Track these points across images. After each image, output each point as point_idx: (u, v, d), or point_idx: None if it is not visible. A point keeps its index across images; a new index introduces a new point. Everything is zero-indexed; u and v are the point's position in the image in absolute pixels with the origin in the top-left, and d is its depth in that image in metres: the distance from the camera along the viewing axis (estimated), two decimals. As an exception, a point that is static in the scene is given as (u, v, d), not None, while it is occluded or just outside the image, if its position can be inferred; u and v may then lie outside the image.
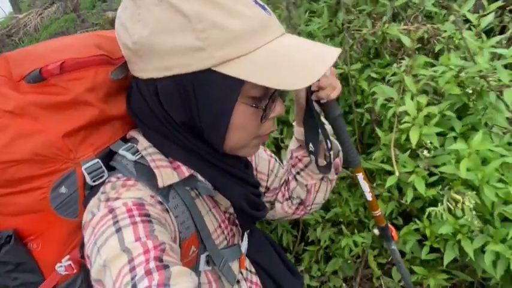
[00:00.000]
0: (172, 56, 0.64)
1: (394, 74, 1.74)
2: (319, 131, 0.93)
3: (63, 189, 0.70)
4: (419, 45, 1.91)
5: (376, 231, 1.20)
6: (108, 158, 0.75)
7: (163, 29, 0.63)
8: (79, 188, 0.71)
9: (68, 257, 0.73)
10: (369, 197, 1.09)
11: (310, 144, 0.93)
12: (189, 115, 0.70)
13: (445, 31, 1.74)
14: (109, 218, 0.62)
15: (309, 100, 0.89)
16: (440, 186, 1.52)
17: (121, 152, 0.74)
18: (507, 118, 1.53)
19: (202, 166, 0.76)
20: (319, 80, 0.84)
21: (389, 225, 1.18)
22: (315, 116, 0.91)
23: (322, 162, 0.99)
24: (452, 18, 1.77)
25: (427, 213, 1.47)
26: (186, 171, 0.74)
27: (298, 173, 1.02)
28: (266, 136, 0.79)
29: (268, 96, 0.69)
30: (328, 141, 0.93)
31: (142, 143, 0.74)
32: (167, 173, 0.72)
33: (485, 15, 1.71)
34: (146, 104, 0.71)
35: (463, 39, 1.60)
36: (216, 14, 0.62)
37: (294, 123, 1.01)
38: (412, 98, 1.57)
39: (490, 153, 1.42)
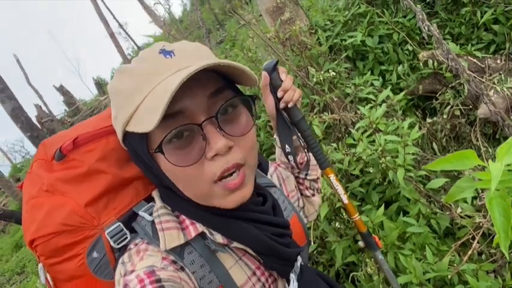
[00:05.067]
0: (115, 128, 0.74)
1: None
2: (291, 132, 0.99)
3: (95, 254, 0.74)
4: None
5: (360, 243, 1.14)
6: (132, 219, 0.78)
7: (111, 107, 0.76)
8: (107, 252, 0.75)
9: None
10: (345, 199, 1.06)
11: (287, 146, 0.98)
12: (153, 176, 0.76)
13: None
14: None
15: (277, 107, 0.96)
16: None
17: (140, 213, 0.77)
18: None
19: (211, 217, 0.75)
20: (280, 85, 0.92)
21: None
22: (285, 120, 0.97)
23: (302, 159, 1.05)
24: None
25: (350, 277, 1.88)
26: (193, 231, 0.74)
27: (306, 174, 1.09)
28: (234, 183, 0.70)
29: (176, 137, 0.66)
30: (301, 140, 0.99)
31: (157, 203, 0.77)
32: (172, 235, 0.72)
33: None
34: None
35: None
36: (119, 81, 0.71)
37: (275, 136, 1.07)
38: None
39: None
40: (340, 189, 1.05)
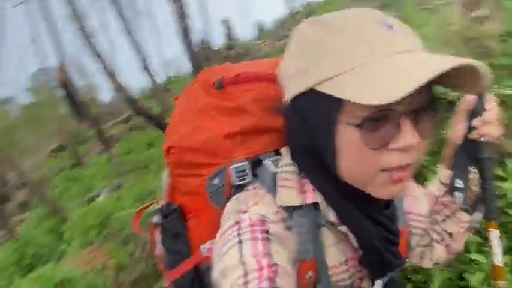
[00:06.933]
0: (291, 80, 0.69)
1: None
2: (470, 168, 0.86)
3: (216, 181, 0.81)
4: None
5: None
6: (257, 165, 0.81)
7: (289, 56, 0.71)
8: (226, 183, 0.80)
9: (211, 241, 0.80)
10: (500, 262, 0.89)
11: (458, 180, 0.86)
12: (305, 138, 0.71)
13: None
14: (235, 229, 0.68)
15: (466, 135, 0.83)
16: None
17: (267, 162, 0.79)
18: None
19: (333, 195, 0.73)
20: (480, 113, 0.79)
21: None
22: (468, 153, 0.84)
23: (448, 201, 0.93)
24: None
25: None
26: (310, 198, 0.73)
27: (443, 220, 0.96)
28: (400, 175, 0.66)
29: (378, 118, 0.61)
30: (480, 181, 0.85)
31: (286, 160, 0.77)
32: (290, 194, 0.73)
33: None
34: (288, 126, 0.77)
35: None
36: (323, 33, 0.64)
37: (440, 166, 0.96)
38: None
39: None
40: (499, 249, 0.89)
